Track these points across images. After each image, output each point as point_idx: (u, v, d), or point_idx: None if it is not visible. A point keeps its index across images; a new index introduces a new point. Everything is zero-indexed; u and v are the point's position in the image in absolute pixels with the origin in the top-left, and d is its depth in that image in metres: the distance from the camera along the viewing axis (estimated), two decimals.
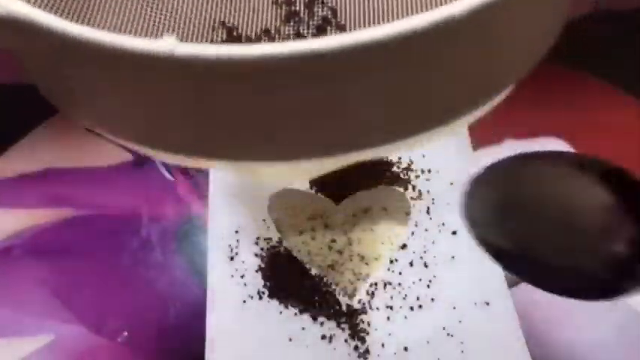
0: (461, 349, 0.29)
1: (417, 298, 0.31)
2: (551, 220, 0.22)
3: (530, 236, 0.22)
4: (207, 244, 0.33)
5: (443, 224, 0.33)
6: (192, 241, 0.38)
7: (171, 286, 0.36)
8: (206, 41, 0.22)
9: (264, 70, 0.13)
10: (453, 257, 0.32)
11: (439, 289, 0.31)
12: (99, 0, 0.20)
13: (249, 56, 0.13)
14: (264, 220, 0.34)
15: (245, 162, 0.16)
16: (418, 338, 0.29)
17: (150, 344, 0.34)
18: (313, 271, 0.32)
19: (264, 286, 0.31)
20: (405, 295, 0.31)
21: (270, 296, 0.31)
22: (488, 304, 0.31)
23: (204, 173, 0.38)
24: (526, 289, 0.37)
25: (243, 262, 0.32)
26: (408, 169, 0.36)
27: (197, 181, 0.40)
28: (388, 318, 0.30)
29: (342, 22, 0.24)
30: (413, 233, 0.33)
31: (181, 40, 0.13)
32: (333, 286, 0.31)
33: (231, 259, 0.32)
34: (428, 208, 0.34)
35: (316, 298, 0.31)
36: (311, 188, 0.35)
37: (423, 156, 0.36)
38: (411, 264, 0.32)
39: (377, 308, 0.31)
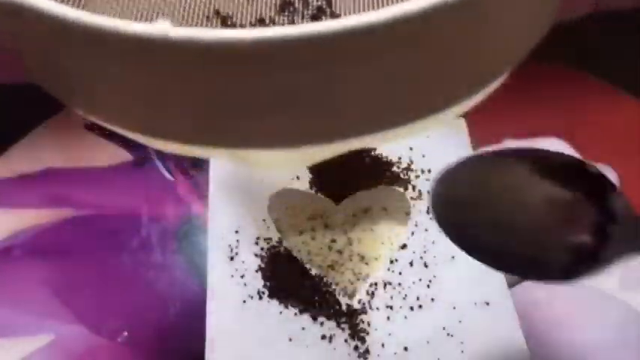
0: (461, 349, 0.29)
1: (417, 298, 0.31)
2: (514, 211, 0.23)
3: (495, 227, 0.23)
4: (207, 244, 0.33)
5: None
6: (192, 241, 0.38)
7: (171, 286, 0.36)
8: None
9: (258, 55, 0.13)
10: (453, 257, 0.32)
11: (439, 289, 0.31)
12: None
13: (244, 40, 0.13)
14: (264, 220, 0.34)
15: (240, 149, 0.16)
16: (418, 338, 0.29)
17: (150, 344, 0.34)
18: (313, 271, 0.32)
19: (264, 286, 0.31)
20: (405, 295, 0.31)
21: (270, 296, 0.31)
22: (488, 304, 0.31)
23: (204, 173, 0.38)
24: (526, 289, 0.37)
25: (243, 262, 0.32)
26: (408, 169, 0.36)
27: (197, 181, 0.40)
28: (388, 318, 0.30)
29: (337, 12, 0.24)
30: (413, 233, 0.33)
31: None
32: (333, 286, 0.31)
33: (231, 259, 0.32)
34: (428, 208, 0.34)
35: (316, 298, 0.31)
36: (311, 188, 0.35)
37: (423, 156, 0.36)
38: (411, 264, 0.32)
39: (377, 308, 0.31)
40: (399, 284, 0.31)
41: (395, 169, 0.36)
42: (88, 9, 0.14)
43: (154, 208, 0.40)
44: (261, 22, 0.24)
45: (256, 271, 0.32)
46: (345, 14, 0.24)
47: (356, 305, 0.31)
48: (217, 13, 0.24)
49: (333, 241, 0.33)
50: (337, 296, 0.31)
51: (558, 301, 0.38)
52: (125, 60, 0.14)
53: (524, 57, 0.18)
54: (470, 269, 0.32)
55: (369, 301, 0.31)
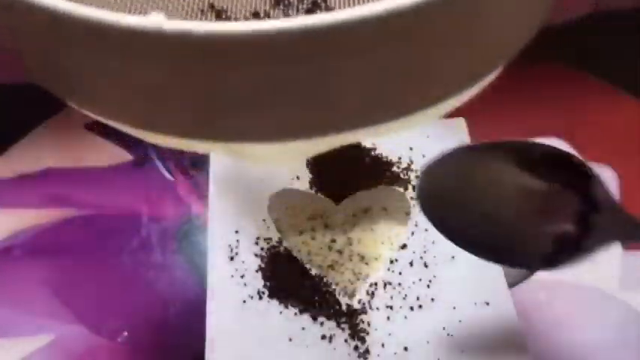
0: (461, 349, 0.29)
1: (417, 298, 0.31)
2: (498, 201, 0.24)
3: (479, 216, 0.24)
4: (207, 244, 0.33)
5: None
6: (192, 241, 0.38)
7: (171, 286, 0.36)
8: None
9: (252, 48, 0.13)
10: (453, 257, 0.32)
11: (439, 289, 0.31)
12: None
13: (238, 33, 0.13)
14: (264, 220, 0.34)
15: (235, 143, 0.16)
16: (418, 338, 0.29)
17: (150, 344, 0.34)
18: (313, 271, 0.32)
19: (264, 286, 0.31)
20: (405, 295, 0.31)
21: (270, 296, 0.31)
22: (488, 304, 0.31)
23: (204, 173, 0.38)
24: (526, 289, 0.37)
25: (243, 262, 0.32)
26: (408, 169, 0.36)
27: (197, 181, 0.40)
28: (388, 318, 0.30)
29: (332, 5, 0.24)
30: (413, 233, 0.33)
31: None
32: (333, 286, 0.31)
33: (231, 259, 0.32)
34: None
35: (316, 298, 0.31)
36: (311, 188, 0.35)
37: (423, 156, 0.36)
38: (411, 264, 0.32)
39: (377, 308, 0.30)
40: (399, 284, 0.31)
41: (395, 169, 0.36)
42: (81, 1, 0.14)
43: (154, 208, 0.40)
44: (255, 15, 0.24)
45: (256, 271, 0.32)
46: (339, 8, 0.24)
47: (356, 305, 0.31)
48: (212, 6, 0.24)
49: (333, 241, 0.33)
50: (337, 296, 0.31)
51: (558, 301, 0.38)
52: (118, 54, 0.14)
53: (517, 52, 0.18)
54: (470, 269, 0.32)
55: (369, 301, 0.31)
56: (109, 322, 0.35)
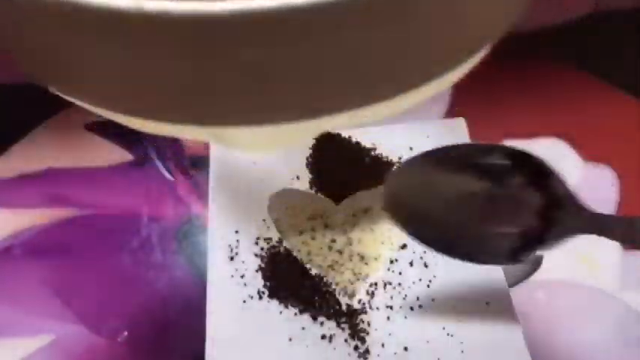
0: (461, 349, 0.29)
1: (417, 298, 0.31)
2: (462, 202, 0.25)
3: (444, 216, 0.25)
4: (207, 244, 0.33)
5: None
6: (192, 241, 0.38)
7: (171, 286, 0.36)
8: None
9: (237, 28, 0.13)
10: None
11: (439, 289, 0.31)
12: None
13: (222, 13, 0.12)
14: (264, 220, 0.34)
15: (216, 127, 0.16)
16: (418, 338, 0.29)
17: (150, 344, 0.34)
18: (313, 271, 0.32)
19: (265, 286, 0.31)
20: (405, 295, 0.31)
21: (270, 296, 0.31)
22: (488, 304, 0.31)
23: (204, 173, 0.38)
24: (526, 289, 0.37)
25: (243, 262, 0.32)
26: None
27: (197, 181, 0.40)
28: (388, 318, 0.30)
29: None
30: None
31: None
32: (333, 286, 0.31)
33: (231, 259, 0.32)
34: None
35: (316, 298, 0.31)
36: (311, 188, 0.35)
37: None
38: (411, 264, 0.32)
39: (377, 308, 0.31)
40: (399, 284, 0.31)
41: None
42: None
43: (154, 208, 0.40)
44: None
45: (256, 271, 0.32)
46: None
47: (356, 305, 0.31)
48: None
49: (333, 241, 0.33)
50: (337, 296, 0.31)
51: (558, 301, 0.38)
52: (94, 34, 0.14)
53: (504, 33, 0.17)
54: (470, 269, 0.32)
55: (369, 301, 0.31)
56: (109, 322, 0.35)
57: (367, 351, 0.29)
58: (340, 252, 0.32)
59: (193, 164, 0.41)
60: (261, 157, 0.35)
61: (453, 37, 0.16)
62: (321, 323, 0.30)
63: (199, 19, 0.13)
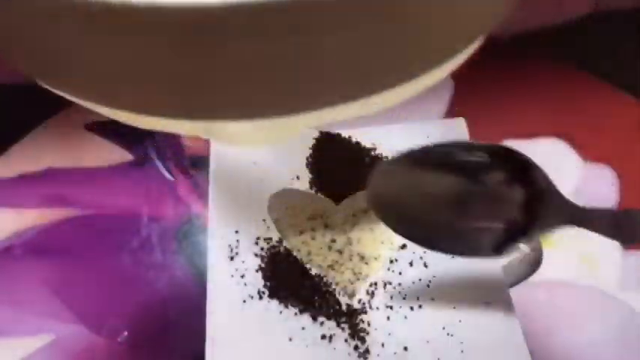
0: (461, 349, 0.29)
1: (417, 298, 0.31)
2: (446, 197, 0.26)
3: (429, 212, 0.26)
4: (207, 244, 0.33)
5: None
6: (192, 241, 0.38)
7: (171, 286, 0.36)
8: None
9: (228, 22, 0.13)
10: (452, 257, 0.32)
11: (439, 289, 0.31)
12: None
13: (212, 6, 0.12)
14: (264, 220, 0.34)
15: (207, 121, 0.16)
16: (418, 338, 0.29)
17: (150, 344, 0.34)
18: (313, 271, 0.32)
19: (265, 286, 0.31)
20: (405, 295, 0.31)
21: (271, 296, 0.31)
22: (488, 304, 0.31)
23: (204, 173, 0.38)
24: (526, 289, 0.37)
25: (243, 262, 0.32)
26: None
27: (197, 180, 0.40)
28: (388, 318, 0.30)
29: None
30: None
31: None
32: (333, 286, 0.31)
33: (231, 259, 0.32)
34: None
35: (316, 297, 0.31)
36: (311, 188, 0.35)
37: None
38: (411, 264, 0.32)
39: (377, 308, 0.31)
40: (399, 284, 0.31)
41: None
42: None
43: (154, 208, 0.40)
44: None
45: (256, 271, 0.32)
46: None
47: (356, 305, 0.31)
48: None
49: (333, 241, 0.33)
50: (337, 296, 0.31)
51: (558, 301, 0.38)
52: (84, 27, 0.13)
53: (498, 24, 0.17)
54: (470, 269, 0.32)
55: (369, 301, 0.31)
56: (109, 322, 0.35)
57: (367, 351, 0.29)
58: (340, 252, 0.32)
59: (193, 164, 0.41)
60: (261, 157, 0.35)
61: (449, 29, 0.16)
62: (321, 323, 0.30)
63: (188, 12, 0.13)
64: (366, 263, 0.32)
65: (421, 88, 0.18)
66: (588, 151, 0.44)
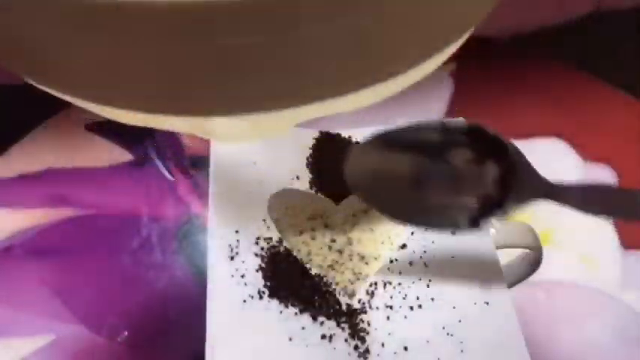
0: (460, 349, 0.29)
1: (417, 298, 0.31)
2: (424, 174, 0.27)
3: (407, 189, 0.27)
4: (207, 243, 0.33)
5: None
6: (192, 241, 0.38)
7: (171, 286, 0.36)
8: None
9: (217, 18, 0.13)
10: (452, 257, 0.32)
11: (439, 289, 0.31)
12: None
13: (197, 3, 0.12)
14: (264, 220, 0.34)
15: (195, 117, 0.16)
16: (418, 338, 0.29)
17: (150, 344, 0.34)
18: (313, 271, 0.32)
19: (265, 285, 0.31)
20: (405, 295, 0.31)
21: (271, 296, 0.31)
22: (488, 304, 0.31)
23: (204, 173, 0.38)
24: (526, 289, 0.37)
25: (243, 261, 0.32)
26: None
27: (197, 180, 0.40)
28: (388, 317, 0.30)
29: None
30: (413, 233, 0.33)
31: None
32: (333, 286, 0.31)
33: (232, 258, 0.32)
34: None
35: (316, 297, 0.31)
36: (311, 188, 0.35)
37: None
38: (411, 264, 0.32)
39: (377, 308, 0.31)
40: (399, 284, 0.31)
41: None
42: None
43: (154, 208, 0.40)
44: None
45: (256, 271, 0.32)
46: None
47: (356, 305, 0.31)
48: None
49: (333, 241, 0.33)
50: (337, 296, 0.31)
51: (558, 301, 0.38)
52: (71, 24, 0.13)
53: (486, 15, 0.17)
54: (470, 269, 0.32)
55: (368, 301, 0.31)
56: (109, 322, 0.35)
57: (367, 351, 0.29)
58: (340, 252, 0.32)
59: (193, 164, 0.41)
60: (261, 157, 0.35)
61: (440, 21, 0.16)
62: (321, 323, 0.30)
63: (174, 9, 0.13)
64: (366, 263, 0.32)
65: (413, 80, 0.18)
66: (588, 151, 0.44)
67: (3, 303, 0.36)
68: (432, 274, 0.32)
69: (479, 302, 0.31)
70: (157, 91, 0.15)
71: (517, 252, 0.34)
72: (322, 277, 0.31)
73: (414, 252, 0.32)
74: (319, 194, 0.35)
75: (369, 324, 0.30)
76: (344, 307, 0.30)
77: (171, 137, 0.43)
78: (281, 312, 0.30)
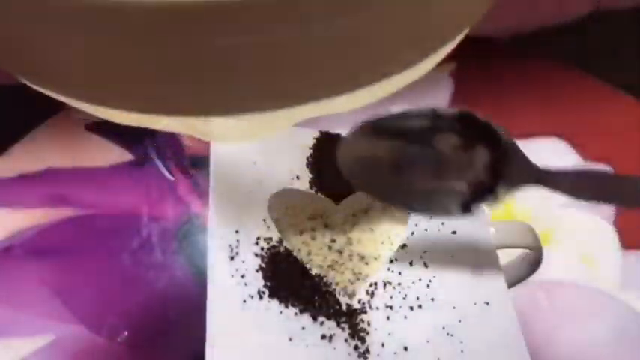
0: (460, 349, 0.29)
1: (417, 298, 0.31)
2: (416, 159, 0.28)
3: (399, 174, 0.28)
4: (207, 243, 0.33)
5: (443, 224, 0.33)
6: (192, 241, 0.38)
7: (171, 286, 0.36)
8: None
9: (211, 17, 0.13)
10: (452, 257, 0.32)
11: (439, 289, 0.31)
12: None
13: (191, 2, 0.12)
14: (264, 220, 0.34)
15: (189, 117, 0.16)
16: (418, 338, 0.29)
17: (150, 344, 0.34)
18: (313, 271, 0.32)
19: (265, 285, 0.31)
20: (405, 295, 0.31)
21: (271, 296, 0.31)
22: (488, 303, 0.31)
23: (205, 173, 0.38)
24: (526, 289, 0.37)
25: (243, 261, 0.32)
26: None
27: (197, 180, 0.40)
28: (388, 317, 0.30)
29: None
30: (413, 233, 0.33)
31: None
32: (333, 286, 0.31)
33: (232, 258, 0.32)
34: None
35: (316, 297, 0.31)
36: (311, 188, 0.35)
37: None
38: (411, 264, 0.32)
39: (377, 308, 0.31)
40: (399, 284, 0.31)
41: None
42: None
43: (154, 208, 0.40)
44: None
45: (256, 271, 0.32)
46: None
47: (356, 305, 0.31)
48: None
49: (333, 241, 0.33)
50: (337, 296, 0.31)
51: (558, 301, 0.38)
52: (63, 23, 0.13)
53: (481, 16, 0.17)
54: (470, 269, 0.32)
55: (369, 301, 0.31)
56: (109, 322, 0.35)
57: (367, 351, 0.29)
58: (340, 252, 0.32)
59: (193, 164, 0.41)
60: (261, 157, 0.35)
61: (438, 20, 0.16)
62: (321, 323, 0.30)
63: (170, 8, 0.13)
64: (366, 263, 0.32)
65: (408, 80, 0.18)
66: (588, 151, 0.44)
67: (3, 303, 0.36)
68: (432, 274, 0.32)
69: (479, 302, 0.31)
70: (152, 91, 0.15)
71: (517, 252, 0.34)
72: (322, 277, 0.31)
73: (414, 252, 0.32)
74: (319, 194, 0.35)
75: (369, 324, 0.30)
76: (344, 307, 0.30)
77: (172, 137, 0.43)
78: (281, 312, 0.30)
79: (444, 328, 0.30)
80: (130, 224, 0.39)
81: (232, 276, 0.31)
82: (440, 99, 0.47)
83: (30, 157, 0.43)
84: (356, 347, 0.29)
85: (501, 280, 0.32)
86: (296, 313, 0.30)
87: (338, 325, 0.30)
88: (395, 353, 0.29)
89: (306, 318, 0.30)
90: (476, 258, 0.32)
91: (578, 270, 0.39)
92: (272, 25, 0.13)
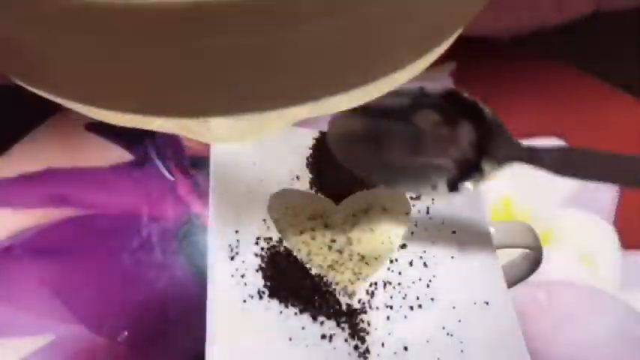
0: (460, 349, 0.29)
1: (417, 298, 0.31)
2: (403, 138, 0.28)
3: (387, 153, 0.29)
4: (207, 243, 0.33)
5: (442, 224, 0.33)
6: (192, 241, 0.38)
7: (171, 286, 0.36)
8: None
9: (206, 18, 0.13)
10: (452, 257, 0.32)
11: (439, 289, 0.31)
12: None
13: (185, 5, 0.12)
14: (264, 220, 0.34)
15: (185, 118, 0.16)
16: (418, 338, 0.29)
17: (150, 344, 0.34)
18: (313, 271, 0.32)
19: (265, 285, 0.31)
20: (405, 295, 0.31)
21: (271, 296, 0.31)
22: (488, 303, 0.31)
23: (205, 172, 0.38)
24: (526, 289, 0.37)
25: (243, 261, 0.32)
26: None
27: (197, 180, 0.40)
28: (388, 317, 0.30)
29: None
30: (413, 233, 0.33)
31: None
32: (333, 286, 0.31)
33: (232, 258, 0.32)
34: (428, 208, 0.34)
35: (316, 297, 0.31)
36: (311, 188, 0.35)
37: None
38: (411, 264, 0.32)
39: (377, 308, 0.31)
40: (399, 284, 0.31)
41: None
42: None
43: (154, 208, 0.40)
44: None
45: (256, 271, 0.32)
46: None
47: (356, 305, 0.31)
48: None
49: (333, 241, 0.33)
50: (337, 296, 0.31)
51: (558, 301, 0.38)
52: (55, 24, 0.13)
53: (472, 18, 0.17)
54: (470, 269, 0.32)
55: (368, 301, 0.31)
56: (109, 322, 0.35)
57: (367, 350, 0.29)
58: (340, 252, 0.32)
59: (193, 164, 0.41)
60: (261, 157, 0.35)
61: (430, 19, 0.16)
62: (321, 323, 0.30)
63: (164, 8, 0.12)
64: (366, 263, 0.32)
65: (403, 80, 0.18)
66: None
67: (3, 303, 0.36)
68: (432, 274, 0.32)
69: (479, 302, 0.31)
70: (146, 92, 0.15)
71: (517, 252, 0.34)
72: (322, 277, 0.31)
73: (414, 252, 0.32)
74: (319, 194, 0.35)
75: (369, 324, 0.30)
76: (344, 307, 0.31)
77: (172, 137, 0.43)
78: (281, 312, 0.30)
79: (444, 328, 0.30)
80: (130, 224, 0.39)
81: (232, 276, 0.31)
82: None
83: (30, 157, 0.43)
84: (356, 347, 0.29)
85: (501, 280, 0.32)
86: (296, 313, 0.30)
87: (338, 325, 0.30)
88: (395, 353, 0.29)
89: (306, 318, 0.30)
90: (476, 258, 0.32)
91: (578, 270, 0.39)
92: (265, 26, 0.13)
